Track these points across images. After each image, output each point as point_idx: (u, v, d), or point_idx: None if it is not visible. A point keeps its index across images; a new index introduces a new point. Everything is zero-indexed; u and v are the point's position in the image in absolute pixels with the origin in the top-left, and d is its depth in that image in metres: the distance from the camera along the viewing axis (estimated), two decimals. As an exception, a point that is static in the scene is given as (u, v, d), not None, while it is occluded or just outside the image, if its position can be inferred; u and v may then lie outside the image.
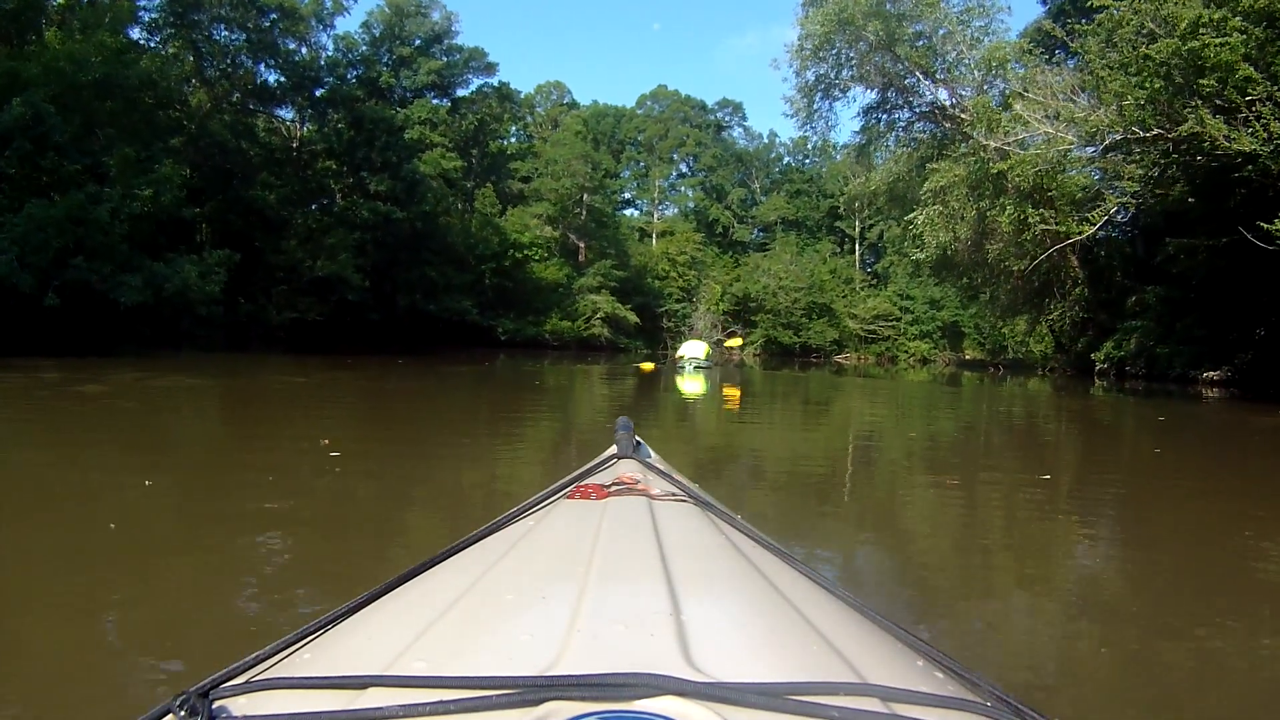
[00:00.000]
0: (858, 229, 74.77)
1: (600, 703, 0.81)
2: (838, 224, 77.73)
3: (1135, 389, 24.28)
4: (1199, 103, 17.11)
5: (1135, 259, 31.60)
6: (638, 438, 2.38)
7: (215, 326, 33.22)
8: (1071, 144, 22.35)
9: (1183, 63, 17.32)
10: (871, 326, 67.89)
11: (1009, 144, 24.48)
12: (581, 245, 61.43)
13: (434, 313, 47.45)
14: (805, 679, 0.89)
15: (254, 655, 1.12)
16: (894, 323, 67.97)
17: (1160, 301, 27.26)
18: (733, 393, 20.41)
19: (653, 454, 2.36)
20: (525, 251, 54.54)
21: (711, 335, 57.05)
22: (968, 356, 63.76)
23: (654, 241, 73.29)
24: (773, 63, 43.85)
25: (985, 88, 30.28)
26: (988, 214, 29.44)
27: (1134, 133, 19.15)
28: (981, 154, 28.15)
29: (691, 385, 22.50)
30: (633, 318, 58.79)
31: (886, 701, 0.88)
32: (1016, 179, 26.00)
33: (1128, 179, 21.44)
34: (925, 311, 67.16)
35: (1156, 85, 18.10)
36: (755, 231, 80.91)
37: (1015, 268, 31.00)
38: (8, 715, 2.46)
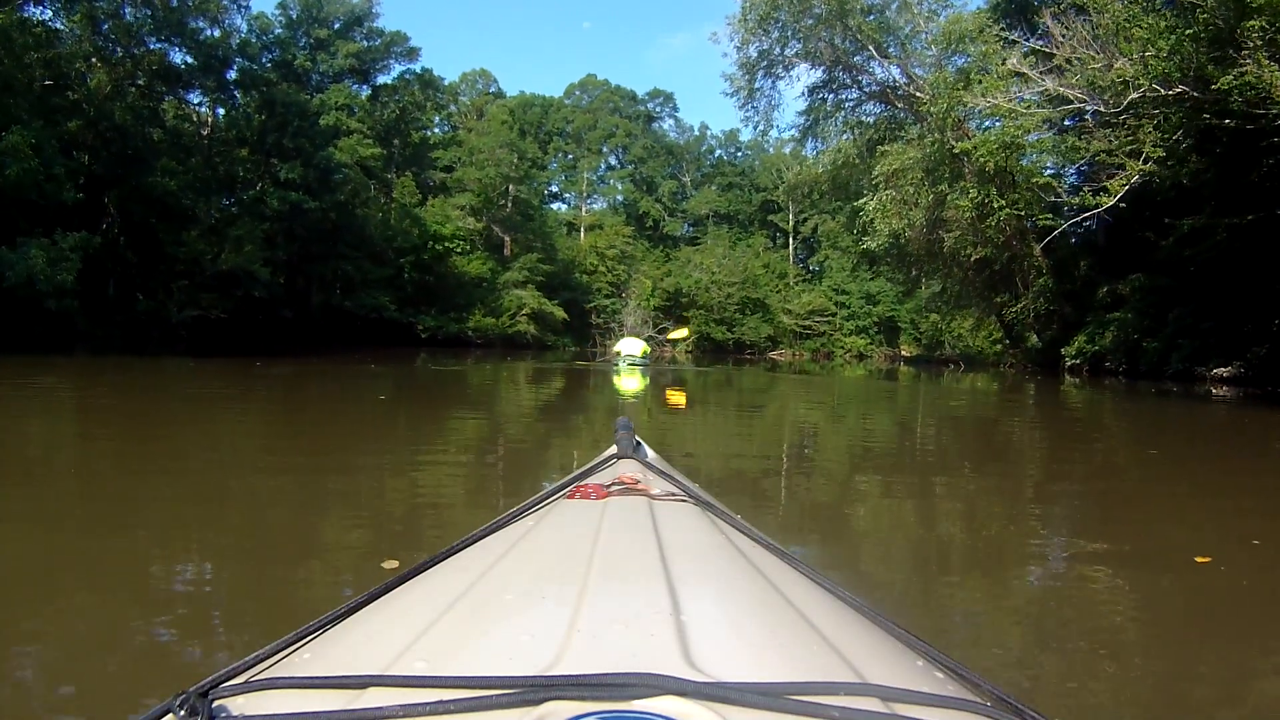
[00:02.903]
0: (791, 223, 74.03)
1: (600, 702, 0.82)
2: (771, 218, 76.87)
3: (1126, 388, 22.29)
4: (1259, 43, 14.87)
5: (1098, 248, 29.99)
6: (637, 438, 2.32)
7: (112, 325, 30.99)
8: (1081, 105, 20.26)
9: (1222, 5, 15.21)
10: (806, 322, 67.19)
11: (999, 102, 22.47)
12: (507, 238, 58.97)
13: (350, 309, 45.04)
14: (805, 679, 0.89)
15: (254, 655, 1.10)
16: (829, 318, 67.37)
17: (1143, 291, 25.51)
18: (677, 397, 18.07)
19: (652, 454, 2.32)
20: (447, 244, 51.88)
21: (642, 331, 54.85)
22: (905, 352, 63.15)
23: (582, 235, 71.23)
24: (712, 36, 41.92)
25: (943, 64, 28.43)
26: (947, 198, 27.64)
27: (1155, 90, 17.06)
28: (939, 135, 26.49)
29: (629, 383, 21.02)
30: (560, 314, 56.39)
31: (886, 701, 0.88)
32: (980, 160, 24.31)
33: (1150, 145, 19.16)
34: (861, 306, 66.61)
35: (1189, 31, 15.97)
36: (686, 226, 79.49)
37: (976, 256, 29.24)
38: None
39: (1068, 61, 20.03)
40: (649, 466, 2.12)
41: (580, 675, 0.85)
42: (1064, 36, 20.03)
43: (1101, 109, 19.83)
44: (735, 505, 4.96)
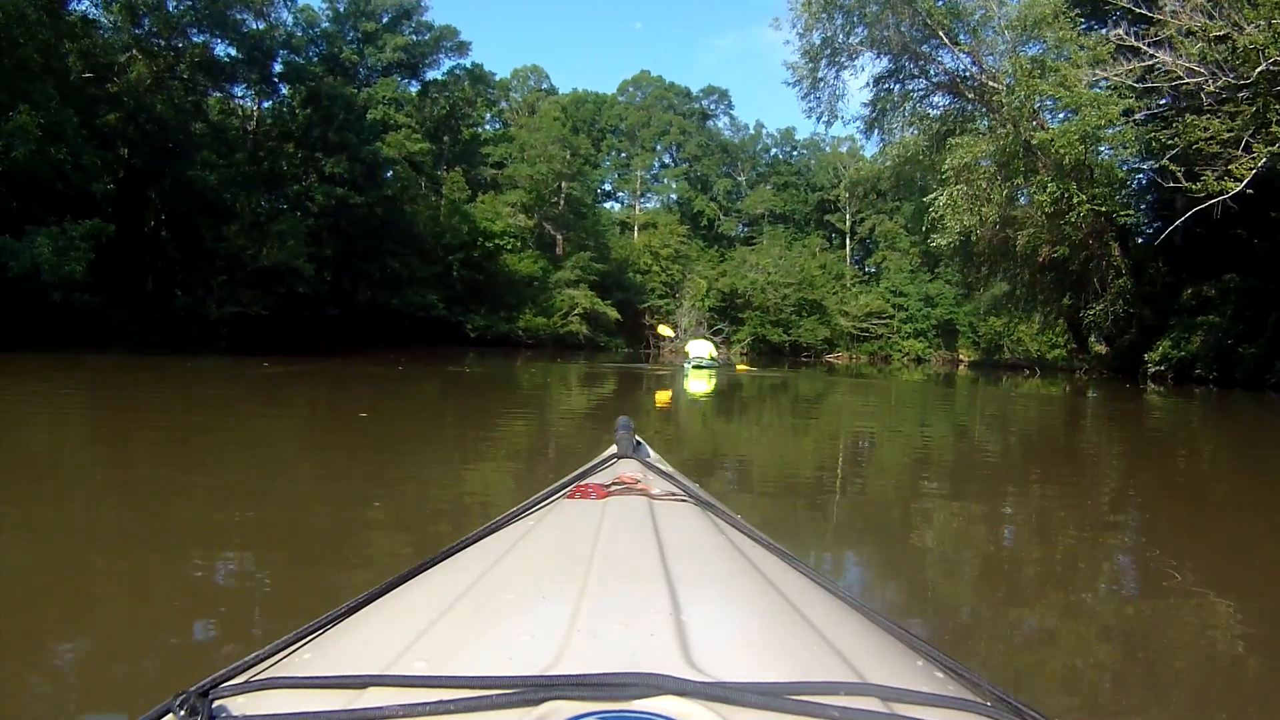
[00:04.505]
0: (848, 223, 72.64)
1: (600, 702, 0.83)
2: (827, 218, 75.21)
3: (1219, 397, 20.52)
4: None
5: (1176, 248, 28.12)
6: (638, 438, 2.32)
7: (149, 322, 30.33)
8: (1192, 81, 18.47)
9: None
10: (864, 324, 65.51)
11: (1081, 88, 20.78)
12: (559, 237, 57.76)
13: (397, 307, 44.24)
14: (805, 679, 0.90)
15: (254, 655, 1.11)
16: (887, 320, 65.50)
17: (1238, 293, 23.64)
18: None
19: (652, 454, 2.31)
20: (496, 241, 51.03)
21: (696, 332, 53.61)
22: (963, 357, 61.49)
23: (635, 234, 70.06)
24: (773, 22, 39.91)
25: (1017, 50, 26.70)
26: (1021, 193, 26.01)
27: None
28: (1013, 127, 24.92)
29: (698, 385, 20.67)
30: (613, 314, 55.18)
31: (886, 701, 0.89)
32: (1059, 152, 22.71)
33: (1277, 123, 17.29)
34: (919, 309, 64.78)
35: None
36: (741, 225, 77.81)
37: (1052, 255, 27.51)
38: None
39: (1188, 33, 18.18)
40: (649, 466, 2.10)
41: (580, 675, 0.85)
42: (1177, 4, 18.16)
43: (1212, 86, 17.98)
44: (802, 523, 5.07)
